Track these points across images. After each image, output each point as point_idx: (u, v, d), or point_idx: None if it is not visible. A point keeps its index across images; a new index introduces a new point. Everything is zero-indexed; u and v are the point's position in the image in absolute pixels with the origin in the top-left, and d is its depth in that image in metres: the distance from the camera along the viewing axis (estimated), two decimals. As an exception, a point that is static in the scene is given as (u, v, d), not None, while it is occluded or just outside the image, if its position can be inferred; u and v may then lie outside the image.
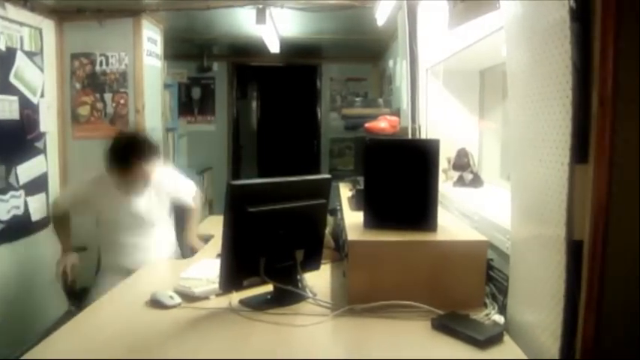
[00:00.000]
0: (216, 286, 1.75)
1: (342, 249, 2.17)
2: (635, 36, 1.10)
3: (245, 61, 6.62)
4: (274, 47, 4.90)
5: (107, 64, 3.95)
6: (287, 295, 1.75)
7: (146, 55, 4.02)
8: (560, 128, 1.18)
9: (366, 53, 6.00)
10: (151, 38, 4.14)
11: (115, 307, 1.84)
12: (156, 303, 1.76)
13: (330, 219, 2.58)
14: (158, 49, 4.31)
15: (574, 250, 1.17)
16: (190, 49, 5.97)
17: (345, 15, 3.99)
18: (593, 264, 1.13)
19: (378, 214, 1.83)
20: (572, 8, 1.16)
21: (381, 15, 3.45)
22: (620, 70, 1.10)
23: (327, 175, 1.96)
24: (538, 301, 1.34)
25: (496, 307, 1.65)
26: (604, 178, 1.10)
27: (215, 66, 6.37)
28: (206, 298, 1.81)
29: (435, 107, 2.94)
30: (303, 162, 7.13)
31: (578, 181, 1.14)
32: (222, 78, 6.48)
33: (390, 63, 4.84)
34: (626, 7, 1.09)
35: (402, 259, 1.69)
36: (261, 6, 3.70)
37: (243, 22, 4.35)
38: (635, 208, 1.12)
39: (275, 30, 4.35)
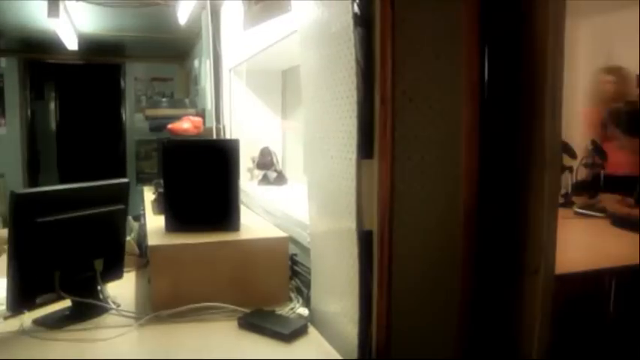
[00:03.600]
0: (3, 307, 1.56)
1: (145, 255, 2.09)
2: (412, 39, 1.21)
3: (40, 58, 6.04)
4: (72, 43, 4.54)
5: None
6: (87, 309, 1.62)
7: None
8: (348, 126, 1.26)
9: (171, 52, 5.84)
10: None
11: None
12: None
13: (134, 224, 2.47)
14: None
15: (364, 239, 1.25)
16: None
17: (147, 12, 3.84)
18: (382, 251, 1.22)
19: (180, 217, 1.79)
20: (355, 14, 1.24)
21: (183, 14, 3.38)
22: (398, 71, 1.20)
23: (125, 180, 1.86)
24: (337, 290, 1.41)
25: (301, 301, 1.70)
26: (387, 171, 1.18)
27: (2, 62, 5.71)
28: (-9, 322, 1.60)
29: (239, 107, 2.95)
30: (108, 166, 6.72)
31: (365, 175, 1.22)
32: (12, 76, 5.84)
33: (196, 63, 4.78)
34: (401, 15, 1.19)
35: (206, 261, 1.67)
36: (53, -3, 3.40)
37: (35, 15, 3.96)
38: (416, 198, 1.23)
39: (72, 25, 4.03)
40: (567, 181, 3.03)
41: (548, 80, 1.32)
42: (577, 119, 4.74)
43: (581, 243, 2.50)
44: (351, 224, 1.27)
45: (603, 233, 2.68)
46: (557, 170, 1.39)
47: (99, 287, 1.69)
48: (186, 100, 4.41)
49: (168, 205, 1.81)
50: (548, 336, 1.41)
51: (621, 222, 2.87)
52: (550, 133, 1.33)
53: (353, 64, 1.24)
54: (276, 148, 2.71)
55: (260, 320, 1.53)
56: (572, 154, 3.10)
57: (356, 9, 1.24)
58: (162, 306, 1.61)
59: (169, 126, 3.14)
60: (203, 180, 1.77)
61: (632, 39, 4.51)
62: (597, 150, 3.22)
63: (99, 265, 1.68)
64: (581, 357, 2.40)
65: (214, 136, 3.20)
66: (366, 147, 1.21)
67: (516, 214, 1.34)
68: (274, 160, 2.50)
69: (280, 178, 2.48)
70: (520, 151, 1.32)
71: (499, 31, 1.29)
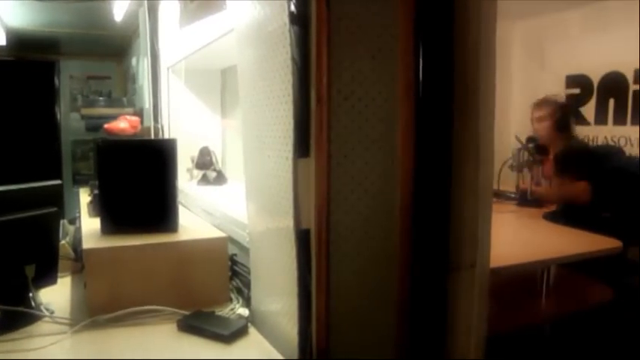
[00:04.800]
0: None
1: (81, 259, 2.02)
2: (348, 38, 1.21)
3: (-37, 53, 5.76)
4: (-1, 38, 4.36)
5: None
6: (18, 318, 1.56)
7: None
8: (284, 125, 1.25)
9: (108, 50, 5.69)
10: None
11: None
12: None
13: (70, 228, 2.40)
14: None
15: (302, 238, 1.25)
16: None
17: (82, 7, 3.72)
18: (320, 250, 1.22)
19: (116, 219, 1.74)
20: (292, 13, 1.24)
21: (119, 10, 3.30)
22: (334, 69, 1.20)
23: (58, 181, 1.80)
24: (277, 290, 1.41)
25: (241, 301, 1.69)
26: (323, 170, 1.19)
27: None
28: None
29: (178, 106, 2.91)
30: (41, 167, 6.44)
31: (302, 174, 1.22)
32: None
33: (134, 61, 4.67)
34: (337, 14, 1.20)
35: (144, 263, 1.63)
36: (-27, -11, 3.25)
37: (-45, 7, 3.78)
38: (353, 196, 1.24)
39: (-2, 18, 3.86)
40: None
41: (481, 79, 1.36)
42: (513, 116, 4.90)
43: (515, 237, 2.59)
44: (289, 223, 1.27)
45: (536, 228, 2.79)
46: (490, 167, 1.43)
47: (30, 294, 1.63)
48: (124, 99, 4.31)
49: (104, 206, 1.76)
50: (484, 328, 1.46)
51: (525, 199, 3.04)
52: (483, 130, 1.37)
53: (289, 63, 1.23)
54: (215, 148, 2.68)
55: (200, 322, 1.51)
56: None
57: (292, 8, 1.24)
58: (99, 311, 1.57)
59: (106, 125, 3.06)
60: (140, 181, 1.74)
61: (563, 40, 4.70)
62: (537, 148, 3.35)
63: (30, 271, 1.62)
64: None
65: (152, 136, 3.14)
66: (302, 146, 1.21)
67: (452, 210, 1.37)
68: (213, 160, 2.47)
69: (220, 178, 2.46)
70: (455, 148, 1.35)
71: (433, 30, 1.31)
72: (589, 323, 2.78)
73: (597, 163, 3.15)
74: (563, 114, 3.44)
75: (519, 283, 2.60)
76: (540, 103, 3.58)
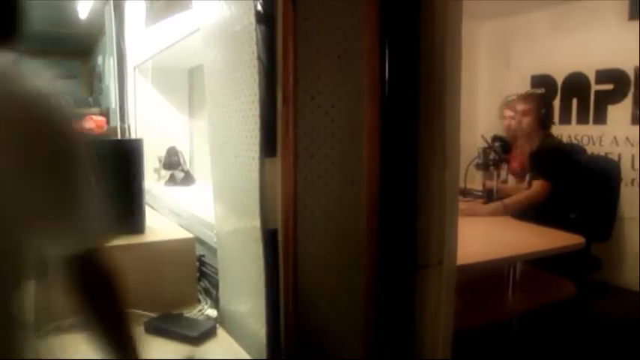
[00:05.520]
0: None
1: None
2: (314, 38, 1.22)
3: None
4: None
5: None
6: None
7: None
8: (251, 125, 1.25)
9: (74, 48, 5.58)
10: None
11: None
12: None
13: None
14: None
15: (269, 238, 1.25)
16: None
17: (47, 5, 3.65)
18: (287, 249, 1.22)
19: (80, 221, 1.71)
20: (258, 12, 1.24)
21: (83, 8, 3.24)
22: (300, 69, 1.20)
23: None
24: (245, 290, 1.40)
25: (209, 302, 1.68)
26: (290, 169, 1.19)
27: None
28: None
29: (145, 106, 2.87)
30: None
31: (269, 173, 1.22)
32: None
33: (100, 60, 4.60)
34: (303, 14, 1.20)
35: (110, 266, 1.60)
36: None
37: None
38: (319, 195, 1.25)
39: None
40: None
41: (447, 79, 1.37)
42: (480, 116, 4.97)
43: (482, 234, 2.63)
44: (256, 223, 1.26)
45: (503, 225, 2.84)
46: (457, 166, 1.45)
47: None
48: (90, 99, 4.24)
49: (68, 208, 1.72)
50: (452, 325, 1.47)
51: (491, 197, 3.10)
52: (449, 130, 1.39)
53: (255, 62, 1.23)
54: (183, 148, 2.66)
55: (167, 324, 1.49)
56: None
57: (258, 7, 1.24)
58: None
59: (71, 126, 2.99)
60: (105, 181, 1.70)
61: (528, 41, 4.79)
62: (503, 146, 3.40)
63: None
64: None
65: (119, 136, 3.10)
66: (268, 146, 1.21)
67: (419, 209, 1.39)
68: (181, 160, 2.45)
69: (188, 178, 2.44)
70: (421, 147, 1.37)
71: (399, 30, 1.32)
72: (554, 317, 2.85)
73: (569, 161, 3.21)
74: (548, 110, 3.47)
75: (486, 279, 2.63)
76: (526, 97, 3.60)
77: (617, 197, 3.36)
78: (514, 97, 3.77)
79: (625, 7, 4.04)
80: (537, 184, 3.07)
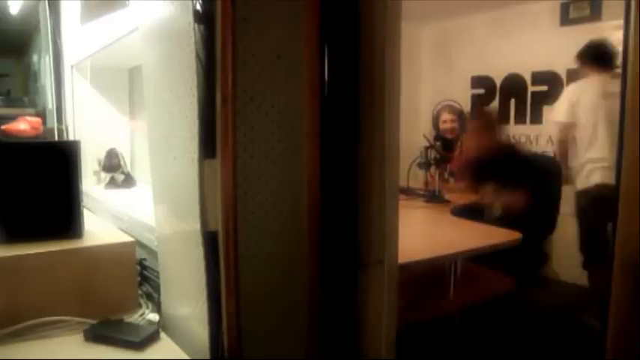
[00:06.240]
0: None
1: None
2: (254, 38, 1.21)
3: None
4: None
5: None
6: None
7: None
8: (190, 126, 1.23)
9: (7, 46, 5.35)
10: None
11: None
12: None
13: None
14: None
15: (210, 240, 1.23)
16: None
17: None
18: (228, 251, 1.21)
19: (15, 227, 1.64)
20: (197, 11, 1.22)
21: (15, 3, 3.12)
22: (239, 69, 1.20)
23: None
24: (187, 293, 1.38)
25: (151, 306, 1.65)
26: (230, 170, 1.18)
27: None
28: None
29: (84, 107, 2.79)
30: None
31: (208, 175, 1.21)
32: None
33: (35, 58, 4.44)
34: (242, 14, 1.20)
35: (47, 272, 1.55)
36: None
37: None
38: (260, 196, 1.24)
39: None
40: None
41: (387, 79, 1.39)
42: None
43: (424, 232, 2.68)
44: (196, 225, 1.25)
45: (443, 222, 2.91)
46: (396, 165, 1.48)
47: None
48: (25, 99, 4.08)
49: (1, 214, 1.66)
50: (395, 323, 1.50)
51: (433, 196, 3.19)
52: (389, 130, 1.41)
53: (194, 62, 1.22)
54: (124, 150, 2.60)
55: (108, 330, 1.45)
56: None
57: (197, 6, 1.23)
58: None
59: (3, 127, 2.88)
60: (40, 185, 1.64)
61: (468, 43, 4.92)
62: (445, 146, 3.48)
63: None
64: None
65: (56, 138, 2.99)
66: (208, 146, 1.20)
67: (360, 209, 1.40)
68: (122, 162, 2.39)
69: (128, 181, 2.39)
70: (361, 147, 1.39)
71: (339, 30, 1.34)
72: (495, 311, 2.94)
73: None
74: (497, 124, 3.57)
75: (429, 276, 2.69)
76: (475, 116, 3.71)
77: (560, 194, 3.47)
78: (448, 103, 3.89)
79: (557, 14, 4.22)
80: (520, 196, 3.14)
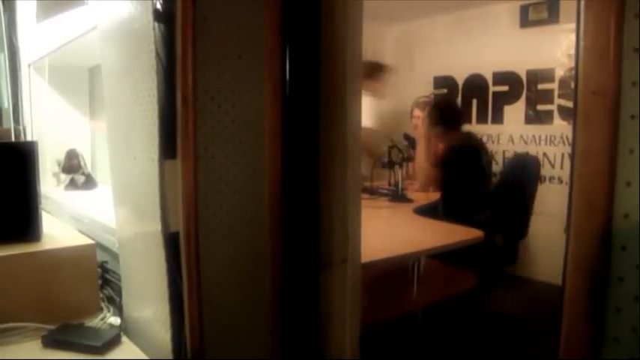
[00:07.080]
0: None
1: None
2: (214, 38, 1.21)
3: None
4: None
5: None
6: None
7: None
8: (150, 126, 1.22)
9: (-40, 44, 5.19)
10: None
11: None
12: None
13: None
14: None
15: (171, 241, 1.22)
16: None
17: None
18: (189, 252, 1.21)
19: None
20: (157, 10, 1.21)
21: (-32, 1, 3.02)
22: (200, 69, 1.19)
23: None
24: (148, 296, 1.37)
25: (112, 310, 1.62)
26: (191, 171, 1.17)
27: None
28: None
29: (42, 106, 2.72)
30: None
31: (169, 175, 1.20)
32: None
33: (-9, 57, 4.30)
34: (203, 13, 1.19)
35: (4, 277, 1.51)
36: None
37: None
38: (221, 196, 1.24)
39: None
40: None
41: (348, 79, 1.40)
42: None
43: (388, 231, 2.71)
44: (157, 226, 1.24)
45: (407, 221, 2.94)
46: (358, 165, 1.49)
47: None
48: (-19, 99, 3.95)
49: (-47, 217, 1.61)
50: (358, 322, 1.51)
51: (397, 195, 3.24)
52: (350, 130, 1.42)
53: (154, 62, 1.20)
54: (84, 150, 2.54)
55: (68, 335, 1.42)
56: None
57: (157, 5, 1.21)
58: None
59: (-44, 128, 2.79)
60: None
61: (430, 44, 4.98)
62: (408, 144, 3.52)
63: None
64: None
65: (13, 139, 2.92)
66: (168, 147, 1.19)
67: (321, 208, 1.41)
68: (82, 163, 2.35)
69: (89, 182, 2.34)
70: (322, 147, 1.39)
71: (300, 31, 1.34)
72: (457, 308, 2.99)
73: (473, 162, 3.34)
74: (448, 112, 3.58)
75: (392, 275, 2.72)
76: (421, 102, 3.74)
77: (534, 194, 3.48)
78: (425, 98, 3.92)
79: (517, 16, 4.32)
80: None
